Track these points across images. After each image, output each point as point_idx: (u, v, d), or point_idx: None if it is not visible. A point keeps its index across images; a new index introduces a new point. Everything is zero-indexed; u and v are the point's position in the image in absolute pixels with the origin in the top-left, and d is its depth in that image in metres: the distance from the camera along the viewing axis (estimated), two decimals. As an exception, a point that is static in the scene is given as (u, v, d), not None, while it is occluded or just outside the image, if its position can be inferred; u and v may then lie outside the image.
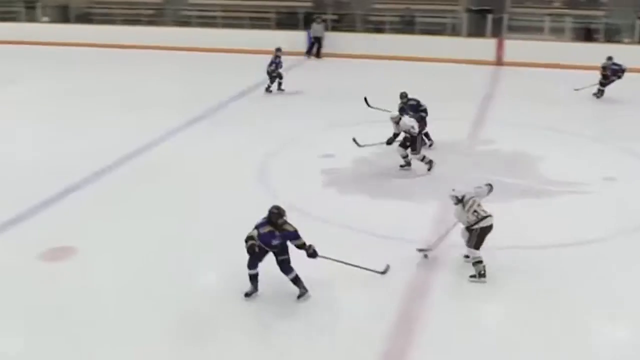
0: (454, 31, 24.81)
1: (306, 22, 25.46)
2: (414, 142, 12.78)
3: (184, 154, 14.11)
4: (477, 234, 8.94)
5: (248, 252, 8.23)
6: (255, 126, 16.01)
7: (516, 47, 22.91)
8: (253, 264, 8.45)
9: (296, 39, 24.76)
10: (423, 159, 12.89)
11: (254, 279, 8.51)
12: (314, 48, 24.86)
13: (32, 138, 15.23)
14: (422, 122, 13.71)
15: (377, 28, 25.54)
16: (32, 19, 28.81)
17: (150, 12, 27.79)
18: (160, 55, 25.14)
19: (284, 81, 19.11)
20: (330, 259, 8.52)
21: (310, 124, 15.98)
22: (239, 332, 7.93)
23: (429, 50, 23.35)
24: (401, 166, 13.03)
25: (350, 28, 25.47)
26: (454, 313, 8.30)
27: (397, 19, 25.68)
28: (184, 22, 27.16)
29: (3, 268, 9.50)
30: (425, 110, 13.94)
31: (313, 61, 24.58)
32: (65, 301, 8.56)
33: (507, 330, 8.12)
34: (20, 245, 10.13)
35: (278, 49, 18.92)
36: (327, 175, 12.77)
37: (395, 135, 12.86)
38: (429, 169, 12.90)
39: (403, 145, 12.89)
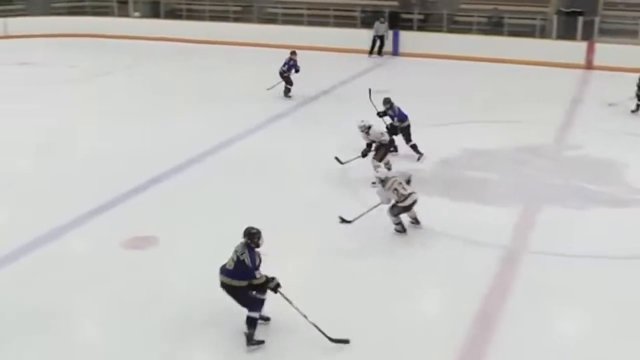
0: (543, 33, 24.27)
1: (391, 22, 25.34)
2: (379, 150, 12.40)
3: (266, 150, 14.22)
4: (399, 209, 10.00)
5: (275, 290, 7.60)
6: (339, 125, 15.94)
7: (608, 50, 22.23)
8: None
9: (381, 38, 24.74)
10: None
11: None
12: (376, 46, 24.59)
13: (121, 129, 15.62)
14: (403, 132, 13.37)
15: (464, 29, 25.20)
16: (124, 13, 29.59)
17: (238, 8, 28.14)
18: (246, 52, 25.45)
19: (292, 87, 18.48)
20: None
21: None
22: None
23: (517, 52, 22.92)
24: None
25: (437, 28, 25.22)
26: (531, 315, 8.17)
27: (484, 19, 25.29)
28: (270, 20, 27.41)
29: (88, 255, 9.84)
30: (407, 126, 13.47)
31: (396, 61, 24.37)
32: (144, 289, 8.78)
33: (583, 336, 8.01)
34: (104, 233, 10.43)
35: (293, 52, 18.49)
36: (409, 176, 12.66)
37: (369, 145, 12.51)
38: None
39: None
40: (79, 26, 28.77)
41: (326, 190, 12.04)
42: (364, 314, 8.20)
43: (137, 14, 29.48)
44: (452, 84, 20.12)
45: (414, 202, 10.04)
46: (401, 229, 10.21)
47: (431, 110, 16.74)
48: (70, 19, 29.51)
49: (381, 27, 24.35)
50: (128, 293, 8.70)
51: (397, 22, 25.37)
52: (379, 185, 10.08)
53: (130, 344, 7.74)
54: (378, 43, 24.44)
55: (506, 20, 24.53)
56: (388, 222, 10.26)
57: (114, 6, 30.05)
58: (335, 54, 24.16)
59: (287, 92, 18.37)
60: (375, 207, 10.23)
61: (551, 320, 8.19)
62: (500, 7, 25.01)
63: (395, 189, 9.91)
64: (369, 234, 10.26)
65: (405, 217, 10.29)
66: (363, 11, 26.21)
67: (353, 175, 12.65)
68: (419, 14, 25.74)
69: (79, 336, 8.05)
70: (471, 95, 18.84)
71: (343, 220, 10.52)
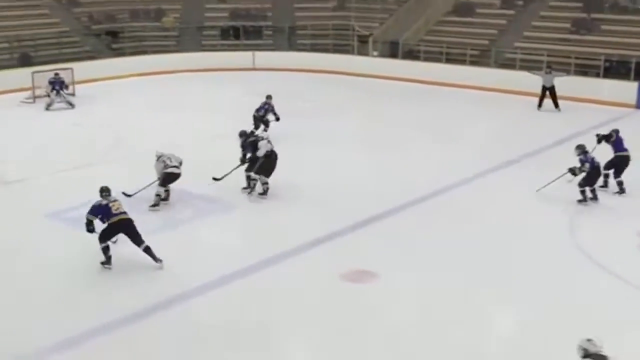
0: None
1: (637, 73, 23.90)
2: (252, 163, 13.82)
3: (491, 196, 14.01)
4: (163, 177, 13.04)
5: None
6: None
7: None
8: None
9: (624, 89, 23.43)
10: (251, 181, 13.89)
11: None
12: (544, 98, 22.76)
13: (351, 163, 16.04)
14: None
15: None
16: (363, 52, 30.44)
17: (475, 52, 27.94)
18: (482, 96, 25.15)
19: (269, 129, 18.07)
20: None
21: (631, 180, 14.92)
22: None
23: None
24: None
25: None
26: None
27: None
28: (508, 65, 26.91)
29: (308, 284, 10.13)
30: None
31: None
32: (360, 321, 8.91)
33: None
34: (325, 263, 10.72)
35: (268, 97, 18.50)
36: (645, 236, 11.87)
37: (244, 156, 14.09)
38: (246, 188, 13.93)
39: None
40: (320, 62, 30.04)
41: (553, 243, 11.61)
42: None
43: (375, 53, 30.22)
44: None
45: (177, 175, 13.05)
46: (163, 198, 13.11)
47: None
48: (311, 55, 30.92)
49: (548, 77, 22.80)
50: (344, 321, 8.86)
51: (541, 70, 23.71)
52: (156, 162, 13.27)
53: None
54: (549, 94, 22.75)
55: None
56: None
57: (354, 45, 31.05)
58: (572, 103, 23.16)
59: None
60: (152, 183, 13.16)
61: None
62: None
63: (164, 161, 13.04)
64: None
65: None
66: (607, 60, 24.98)
67: (584, 227, 12.06)
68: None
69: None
70: None
71: (126, 194, 13.02)
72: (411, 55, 29.52)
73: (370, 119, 21.39)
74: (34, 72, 23.78)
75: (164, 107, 22.56)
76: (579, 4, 27.67)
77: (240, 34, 32.08)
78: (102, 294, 9.96)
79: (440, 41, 28.86)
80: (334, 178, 14.96)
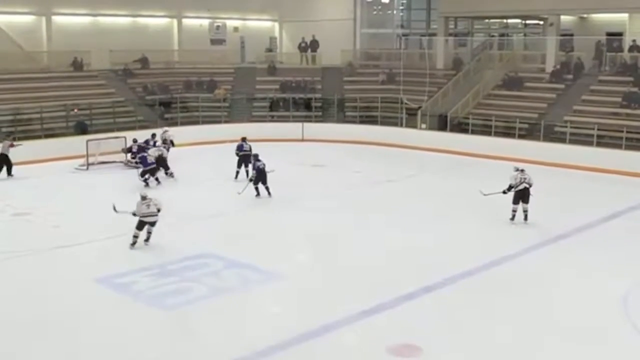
0: None
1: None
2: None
3: (542, 271, 13.74)
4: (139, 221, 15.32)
5: None
6: (624, 251, 15.01)
7: None
8: None
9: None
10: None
11: None
12: None
13: (399, 233, 15.95)
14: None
15: None
16: (412, 125, 30.53)
17: (524, 126, 27.79)
18: (530, 170, 24.85)
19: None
20: None
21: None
22: None
23: None
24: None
25: None
26: None
27: None
28: (557, 139, 26.67)
29: (353, 356, 9.97)
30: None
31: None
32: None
33: None
34: (371, 336, 10.57)
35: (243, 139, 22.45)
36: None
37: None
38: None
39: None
40: (368, 134, 30.31)
41: (604, 323, 11.30)
42: None
43: (424, 126, 30.30)
44: None
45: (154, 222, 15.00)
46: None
47: None
48: (360, 127, 31.22)
49: None
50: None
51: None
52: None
53: None
54: None
55: None
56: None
57: (402, 117, 31.20)
58: (622, 177, 22.80)
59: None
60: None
61: None
62: None
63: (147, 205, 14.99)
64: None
65: None
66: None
67: (637, 308, 11.75)
68: None
69: None
70: None
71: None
72: (459, 128, 29.51)
73: (417, 190, 21.35)
74: (88, 140, 24.46)
75: (209, 176, 22.88)
76: (630, 79, 27.54)
77: (289, 105, 32.56)
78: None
79: (489, 114, 28.86)
80: (382, 248, 14.88)
